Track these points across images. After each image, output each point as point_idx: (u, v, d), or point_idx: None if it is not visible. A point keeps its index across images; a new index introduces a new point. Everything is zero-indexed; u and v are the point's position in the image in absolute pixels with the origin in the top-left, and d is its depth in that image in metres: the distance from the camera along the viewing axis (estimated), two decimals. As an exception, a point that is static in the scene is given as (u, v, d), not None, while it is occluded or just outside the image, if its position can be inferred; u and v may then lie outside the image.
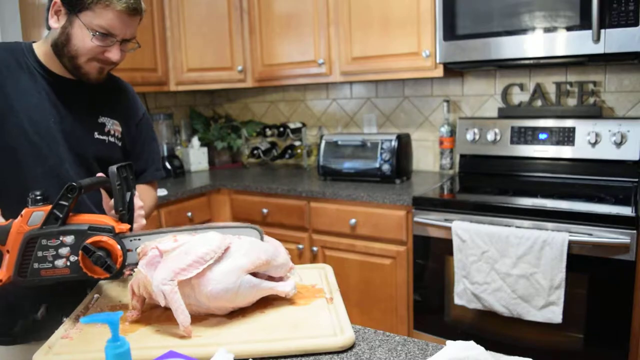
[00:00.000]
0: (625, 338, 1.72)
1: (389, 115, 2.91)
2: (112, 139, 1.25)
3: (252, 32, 2.89)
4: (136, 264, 0.93)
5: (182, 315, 0.86)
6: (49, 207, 0.90)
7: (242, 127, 3.31)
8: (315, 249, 2.46)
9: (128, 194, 1.02)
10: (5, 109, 1.11)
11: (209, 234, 0.93)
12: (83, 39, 1.10)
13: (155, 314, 0.96)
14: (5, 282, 0.90)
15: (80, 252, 0.88)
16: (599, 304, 1.77)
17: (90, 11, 1.08)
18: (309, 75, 2.74)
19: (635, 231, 1.69)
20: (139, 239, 0.94)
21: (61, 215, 0.90)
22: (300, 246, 2.51)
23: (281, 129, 3.09)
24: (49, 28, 1.14)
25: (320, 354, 0.83)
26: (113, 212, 1.00)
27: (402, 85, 2.84)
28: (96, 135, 1.21)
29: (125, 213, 0.99)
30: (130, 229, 0.98)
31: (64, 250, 0.90)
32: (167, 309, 0.94)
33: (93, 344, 0.85)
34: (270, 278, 0.98)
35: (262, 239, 0.98)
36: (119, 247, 0.90)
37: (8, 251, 0.90)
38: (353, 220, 2.32)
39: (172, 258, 0.89)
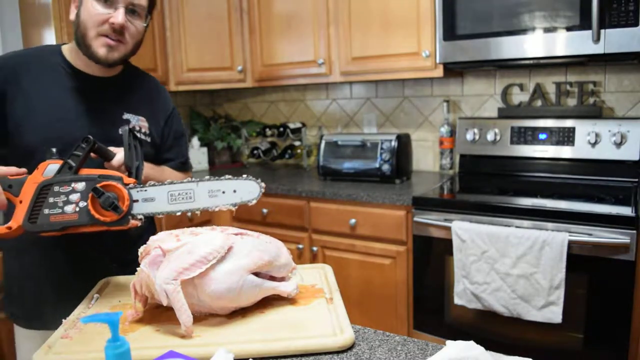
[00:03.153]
0: (625, 338, 1.72)
1: (389, 116, 2.91)
2: (138, 135, 1.24)
3: (252, 32, 2.89)
4: (139, 218, 0.98)
5: (185, 315, 0.86)
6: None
7: (242, 127, 3.31)
8: (315, 248, 2.46)
9: (136, 163, 1.06)
10: (25, 111, 1.12)
11: (212, 234, 0.93)
12: (88, 10, 1.12)
13: (155, 313, 0.96)
14: (14, 230, 0.93)
15: (90, 194, 0.93)
16: (599, 304, 1.77)
17: None
18: (309, 75, 2.74)
19: (635, 231, 1.69)
20: (146, 190, 0.98)
21: (74, 165, 0.96)
22: (300, 246, 2.51)
23: (281, 129, 3.09)
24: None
25: (320, 354, 0.83)
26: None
27: (402, 86, 2.84)
28: (120, 131, 1.22)
29: (133, 173, 1.04)
30: None
31: (74, 197, 0.94)
32: (167, 309, 0.94)
33: (93, 344, 0.84)
34: (272, 278, 0.98)
35: (260, 192, 1.01)
36: (126, 192, 0.95)
37: (21, 202, 0.94)
38: (353, 220, 2.32)
39: (175, 257, 0.89)
